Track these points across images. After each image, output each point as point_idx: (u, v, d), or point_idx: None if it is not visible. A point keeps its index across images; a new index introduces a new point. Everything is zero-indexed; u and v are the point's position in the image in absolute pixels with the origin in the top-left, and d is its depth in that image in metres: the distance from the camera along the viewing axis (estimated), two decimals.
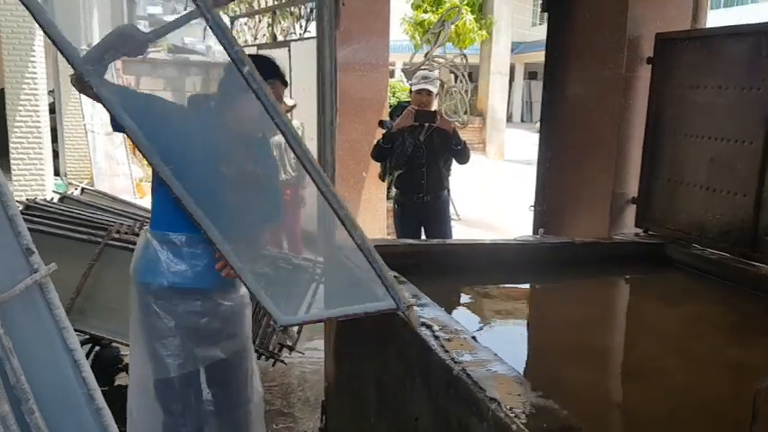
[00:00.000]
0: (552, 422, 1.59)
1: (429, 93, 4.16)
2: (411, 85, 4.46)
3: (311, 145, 5.13)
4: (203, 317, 2.49)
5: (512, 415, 1.62)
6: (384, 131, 4.06)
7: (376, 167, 4.92)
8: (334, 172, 3.81)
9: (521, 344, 2.87)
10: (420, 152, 4.07)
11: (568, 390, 2.11)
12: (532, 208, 4.85)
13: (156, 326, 2.43)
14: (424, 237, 4.58)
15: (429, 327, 2.20)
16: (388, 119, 4.45)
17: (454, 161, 4.28)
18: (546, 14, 4.63)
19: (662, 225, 3.68)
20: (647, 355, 2.54)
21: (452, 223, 4.80)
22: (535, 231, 4.64)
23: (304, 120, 5.52)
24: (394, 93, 9.76)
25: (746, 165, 3.10)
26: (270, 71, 2.48)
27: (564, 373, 2.33)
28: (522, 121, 29.68)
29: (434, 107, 4.37)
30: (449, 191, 4.26)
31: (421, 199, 4.05)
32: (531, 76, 31.01)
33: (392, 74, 20.47)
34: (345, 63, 5.82)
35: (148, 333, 2.45)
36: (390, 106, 6.13)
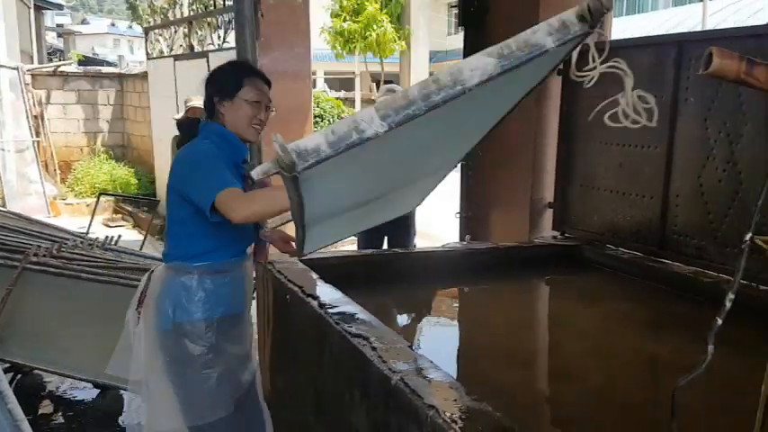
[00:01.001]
0: (487, 425, 1.67)
1: None
2: (377, 98, 4.51)
3: None
4: (238, 342, 2.36)
5: (449, 420, 1.69)
6: None
7: None
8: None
9: (452, 348, 2.96)
10: None
11: (499, 391, 2.21)
12: (458, 215, 5.00)
13: (192, 366, 2.17)
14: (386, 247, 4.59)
15: (366, 338, 2.25)
16: None
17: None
18: (462, 28, 4.79)
19: (577, 228, 3.88)
20: (569, 354, 2.68)
21: None
22: (462, 238, 4.79)
23: None
24: (318, 103, 9.78)
25: (653, 169, 3.33)
26: (240, 73, 2.31)
27: (493, 374, 2.44)
28: None
29: None
30: None
31: None
32: None
33: (314, 83, 20.47)
34: (267, 73, 5.79)
35: (181, 378, 2.18)
36: (315, 116, 6.10)
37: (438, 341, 3.16)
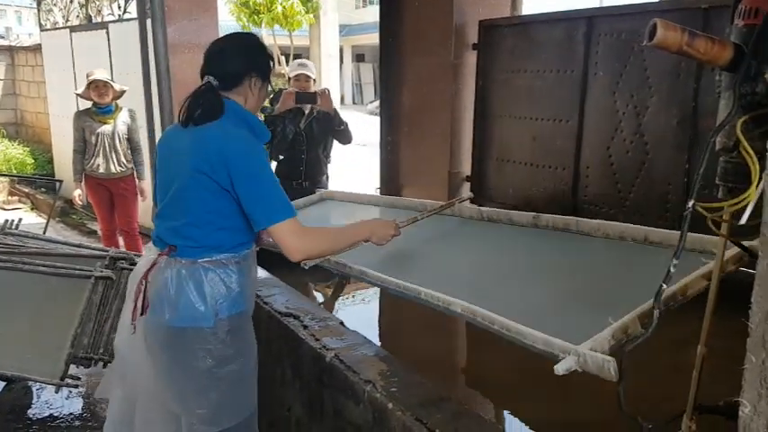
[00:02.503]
0: (424, 395, 1.71)
1: (307, 78, 4.14)
2: (289, 72, 4.38)
3: (142, 133, 4.88)
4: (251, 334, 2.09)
5: (387, 394, 1.72)
6: (264, 116, 3.96)
7: None
8: None
9: (377, 321, 3.00)
10: (300, 139, 4.06)
11: (431, 361, 2.26)
12: (378, 190, 5.02)
13: (236, 361, 1.92)
14: None
15: (297, 317, 2.24)
16: (267, 105, 4.34)
17: (336, 144, 4.32)
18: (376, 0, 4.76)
19: (494, 200, 3.99)
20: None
21: None
22: None
23: (132, 106, 5.18)
24: None
25: (564, 141, 3.47)
26: (271, 57, 2.05)
27: (422, 344, 2.49)
28: (354, 103, 30.15)
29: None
30: (328, 177, 4.29)
31: (300, 185, 4.04)
32: (358, 58, 31.57)
33: None
34: (172, 45, 5.55)
35: (214, 379, 1.90)
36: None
37: (365, 316, 3.19)
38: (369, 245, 2.07)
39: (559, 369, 1.24)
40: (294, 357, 2.15)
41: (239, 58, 1.99)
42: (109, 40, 6.82)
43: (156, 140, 3.77)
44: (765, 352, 0.86)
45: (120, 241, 5.21)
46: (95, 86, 4.82)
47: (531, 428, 1.58)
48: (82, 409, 3.38)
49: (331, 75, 17.33)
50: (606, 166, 3.25)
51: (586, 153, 3.37)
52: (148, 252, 2.01)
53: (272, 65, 2.05)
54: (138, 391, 2.00)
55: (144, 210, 5.18)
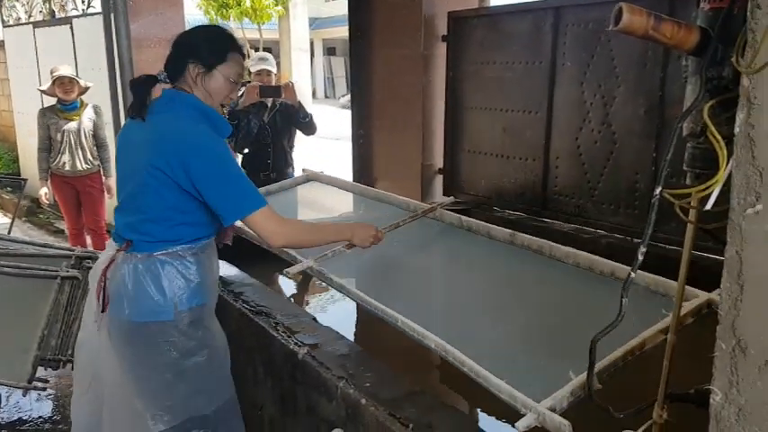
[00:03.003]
0: (398, 390, 1.70)
1: (268, 73, 4.13)
2: (250, 67, 4.34)
3: (108, 129, 4.78)
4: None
5: (360, 389, 1.70)
6: (227, 111, 3.93)
7: None
8: None
9: (351, 317, 2.97)
10: (265, 132, 4.06)
11: (405, 356, 2.24)
12: None
13: (200, 352, 1.89)
14: None
15: (268, 314, 2.20)
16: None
17: (299, 135, 4.31)
18: None
19: (466, 192, 3.99)
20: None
21: None
22: None
23: (98, 102, 5.07)
24: None
25: (534, 132, 3.47)
26: (227, 44, 1.96)
27: (396, 339, 2.46)
28: (326, 97, 29.99)
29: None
30: (293, 168, 4.28)
31: (267, 177, 4.04)
32: (329, 51, 31.39)
33: None
34: (138, 40, 5.46)
35: (180, 370, 1.86)
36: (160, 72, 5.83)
37: (335, 311, 3.16)
38: (353, 254, 2.07)
39: (520, 426, 1.30)
40: (266, 355, 2.12)
41: (178, 45, 1.96)
42: (73, 35, 6.67)
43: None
44: (735, 339, 0.86)
45: (88, 240, 5.11)
46: (60, 83, 4.71)
47: (504, 422, 1.58)
48: (51, 411, 3.32)
49: (301, 68, 17.18)
50: (575, 156, 3.26)
51: (556, 144, 3.38)
52: (108, 248, 1.98)
53: (225, 54, 1.93)
54: (105, 389, 1.97)
55: (111, 207, 5.07)
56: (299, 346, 1.96)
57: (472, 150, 3.95)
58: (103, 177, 5.04)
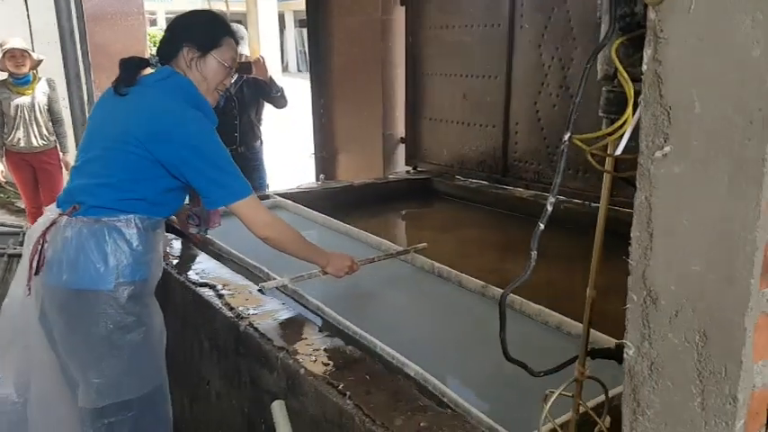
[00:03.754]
0: (339, 359, 1.65)
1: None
2: None
3: (64, 103, 4.63)
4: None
5: (300, 360, 1.65)
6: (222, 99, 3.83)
7: None
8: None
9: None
10: (232, 104, 3.94)
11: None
12: (313, 155, 4.91)
13: (136, 330, 1.78)
14: None
15: (212, 286, 2.14)
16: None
17: (268, 108, 4.21)
18: None
19: (428, 161, 3.94)
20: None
21: None
22: (317, 178, 4.72)
23: (53, 75, 4.91)
24: (155, 43, 9.01)
25: (494, 98, 3.42)
26: (222, 29, 1.93)
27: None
28: (299, 71, 29.53)
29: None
30: (262, 142, 4.18)
31: (235, 150, 3.94)
32: (301, 24, 30.84)
33: (154, 23, 19.05)
34: (94, 13, 5.30)
35: (116, 348, 1.76)
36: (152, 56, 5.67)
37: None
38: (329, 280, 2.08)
39: None
40: (210, 329, 2.06)
41: (173, 29, 1.94)
42: (27, 7, 6.47)
43: (76, 110, 3.61)
44: (646, 290, 0.82)
45: None
46: (11, 56, 4.55)
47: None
48: None
49: (271, 42, 16.87)
50: (534, 121, 3.22)
51: (515, 109, 3.33)
52: (49, 212, 1.88)
53: (219, 38, 1.89)
54: (32, 360, 1.89)
55: None
56: (241, 318, 1.90)
57: (433, 118, 3.89)
58: (60, 153, 4.89)
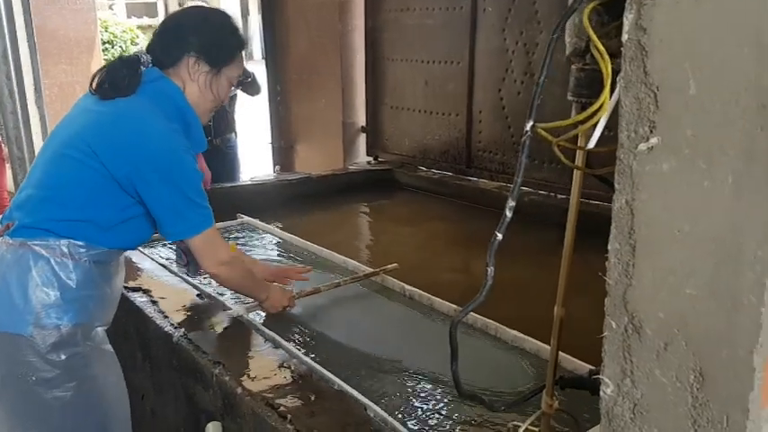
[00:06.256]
0: (282, 376, 1.48)
1: None
2: None
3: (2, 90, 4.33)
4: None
5: (237, 376, 1.47)
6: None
7: None
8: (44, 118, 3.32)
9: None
10: None
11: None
12: (270, 145, 4.71)
13: (33, 389, 1.43)
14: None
15: (146, 291, 1.94)
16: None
17: (241, 97, 3.98)
18: None
19: (390, 151, 3.78)
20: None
21: None
22: (274, 169, 4.53)
23: None
24: (106, 28, 8.60)
25: (457, 85, 3.26)
26: (236, 40, 1.66)
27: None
28: (264, 57, 29.01)
29: None
30: (236, 134, 3.95)
31: (210, 143, 3.72)
32: None
33: (112, 9, 18.45)
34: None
35: (14, 402, 1.45)
36: (103, 42, 5.38)
37: None
38: None
39: None
40: (142, 338, 1.87)
41: (179, 30, 1.62)
42: None
43: (20, 100, 3.38)
44: (628, 316, 0.66)
45: None
46: None
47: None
48: None
49: None
50: (498, 109, 3.07)
51: (479, 96, 3.18)
52: None
53: (231, 51, 1.62)
54: None
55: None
56: (175, 327, 1.72)
57: (395, 106, 3.71)
58: (3, 146, 4.58)
